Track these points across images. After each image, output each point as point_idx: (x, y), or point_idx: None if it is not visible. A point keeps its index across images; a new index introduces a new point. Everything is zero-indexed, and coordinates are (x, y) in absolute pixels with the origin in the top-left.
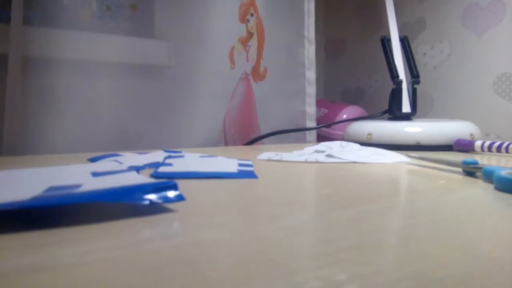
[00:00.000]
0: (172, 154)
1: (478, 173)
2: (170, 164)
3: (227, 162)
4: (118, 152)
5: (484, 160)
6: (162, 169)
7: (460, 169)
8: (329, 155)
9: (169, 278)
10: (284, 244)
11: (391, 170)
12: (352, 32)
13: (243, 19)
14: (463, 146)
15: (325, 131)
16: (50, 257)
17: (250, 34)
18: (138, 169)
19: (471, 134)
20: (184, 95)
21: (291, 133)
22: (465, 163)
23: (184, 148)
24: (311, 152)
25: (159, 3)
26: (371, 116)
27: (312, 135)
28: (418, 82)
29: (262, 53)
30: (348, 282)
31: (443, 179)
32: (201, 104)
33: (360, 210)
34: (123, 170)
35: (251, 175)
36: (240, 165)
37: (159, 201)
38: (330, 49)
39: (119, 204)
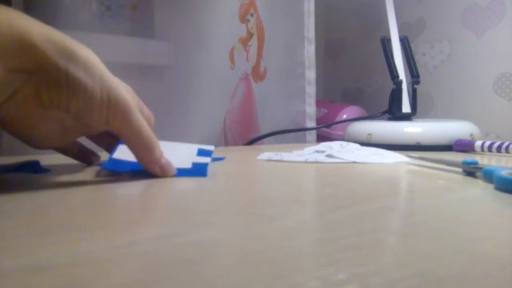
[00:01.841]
0: None
1: (478, 173)
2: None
3: (184, 154)
4: None
5: (484, 160)
6: (116, 155)
7: (460, 169)
8: (329, 155)
9: (169, 278)
10: (284, 244)
11: (391, 170)
12: (352, 32)
13: (243, 19)
14: (463, 146)
15: (325, 131)
16: (50, 257)
17: (250, 34)
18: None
19: (471, 134)
20: (184, 95)
21: (291, 133)
22: (465, 163)
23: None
24: (311, 152)
25: (159, 3)
26: (371, 116)
27: (312, 135)
28: (418, 82)
29: (262, 53)
30: (348, 282)
31: (443, 179)
32: (201, 104)
33: (360, 210)
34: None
35: (201, 172)
36: (199, 153)
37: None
38: (330, 49)
39: (118, 204)
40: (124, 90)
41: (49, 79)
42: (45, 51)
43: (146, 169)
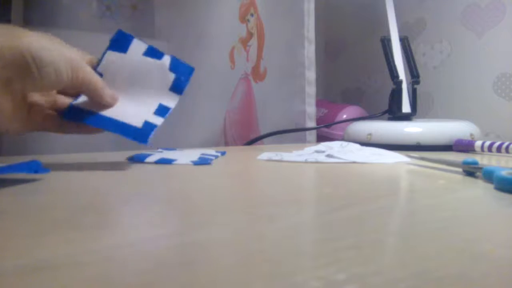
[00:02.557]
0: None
1: (478, 173)
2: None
3: (141, 107)
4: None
5: (484, 160)
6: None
7: (460, 169)
8: (329, 155)
9: (169, 278)
10: (284, 244)
11: (391, 170)
12: (352, 32)
13: (243, 19)
14: (463, 146)
15: (325, 131)
16: (50, 257)
17: (250, 34)
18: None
19: (471, 134)
20: (184, 95)
21: (291, 133)
22: (465, 163)
23: (184, 148)
24: (311, 152)
25: (159, 3)
26: (371, 116)
27: (312, 135)
28: (418, 82)
29: (262, 53)
30: (348, 282)
31: (443, 179)
32: (201, 104)
33: (360, 210)
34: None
35: (143, 138)
36: (158, 109)
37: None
38: (330, 49)
39: (118, 204)
40: (78, 52)
41: (21, 71)
42: (13, 47)
43: (100, 105)
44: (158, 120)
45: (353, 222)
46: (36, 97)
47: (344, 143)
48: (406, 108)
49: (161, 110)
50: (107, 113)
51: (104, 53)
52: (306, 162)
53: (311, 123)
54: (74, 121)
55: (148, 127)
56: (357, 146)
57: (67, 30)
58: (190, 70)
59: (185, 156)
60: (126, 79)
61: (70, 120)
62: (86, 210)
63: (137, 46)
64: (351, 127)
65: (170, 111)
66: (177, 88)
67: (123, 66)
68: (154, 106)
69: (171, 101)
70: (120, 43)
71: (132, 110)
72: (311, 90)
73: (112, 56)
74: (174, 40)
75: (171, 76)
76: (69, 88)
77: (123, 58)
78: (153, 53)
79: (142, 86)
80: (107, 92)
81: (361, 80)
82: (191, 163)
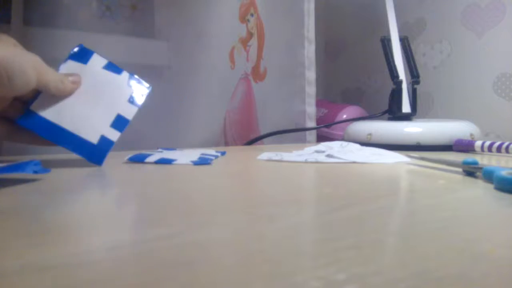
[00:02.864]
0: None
1: (478, 173)
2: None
3: (99, 117)
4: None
5: (484, 160)
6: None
7: (460, 169)
8: (329, 155)
9: (169, 278)
10: (284, 244)
11: (391, 170)
12: (352, 32)
13: (243, 19)
14: (463, 146)
15: (325, 131)
16: (50, 257)
17: (250, 34)
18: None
19: (471, 134)
20: (184, 95)
21: (291, 133)
22: (465, 163)
23: (184, 148)
24: (311, 152)
25: (159, 3)
26: (371, 116)
27: (312, 135)
28: (418, 82)
29: (262, 53)
30: (348, 282)
31: (443, 179)
32: (201, 104)
33: (360, 210)
34: None
35: (97, 158)
36: (115, 122)
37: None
38: (330, 49)
39: (118, 205)
40: (39, 58)
41: None
42: None
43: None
44: (114, 135)
45: (353, 222)
46: None
47: (344, 143)
48: (406, 108)
49: (119, 122)
50: (64, 121)
51: (64, 62)
52: (306, 162)
53: (311, 123)
54: (28, 127)
55: (104, 143)
56: (357, 146)
57: (67, 30)
58: (147, 89)
59: (185, 156)
60: (85, 87)
61: (24, 125)
62: (85, 210)
63: (97, 60)
64: (351, 127)
65: (128, 123)
66: (134, 102)
67: (82, 75)
68: (112, 116)
69: (129, 113)
70: (80, 56)
71: (90, 118)
72: (311, 90)
73: (72, 64)
74: (174, 40)
75: (129, 91)
76: (30, 91)
77: (83, 68)
78: (112, 68)
79: (101, 95)
80: (67, 80)
81: (361, 80)
82: (191, 163)
